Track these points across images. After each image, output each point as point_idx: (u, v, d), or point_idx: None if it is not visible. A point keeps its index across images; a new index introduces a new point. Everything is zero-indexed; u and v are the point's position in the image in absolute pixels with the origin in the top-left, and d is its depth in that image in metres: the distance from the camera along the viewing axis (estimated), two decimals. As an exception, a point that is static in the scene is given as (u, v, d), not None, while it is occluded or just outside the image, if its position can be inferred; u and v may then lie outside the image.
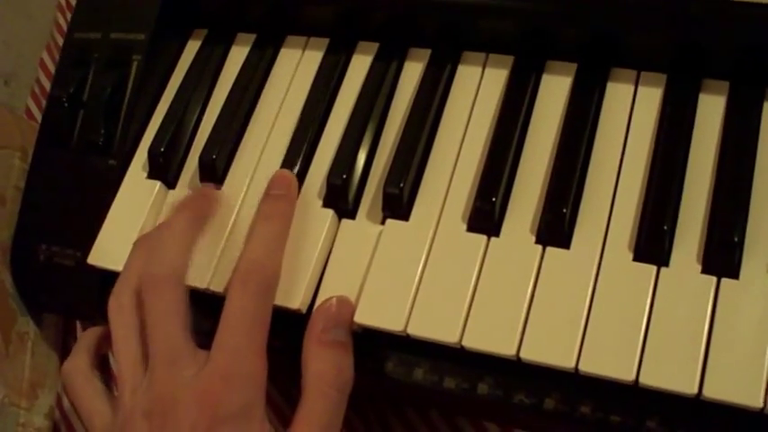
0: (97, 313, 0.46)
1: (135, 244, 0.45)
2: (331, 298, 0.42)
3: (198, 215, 0.43)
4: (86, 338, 0.47)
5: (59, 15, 0.67)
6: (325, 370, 0.40)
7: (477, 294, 0.40)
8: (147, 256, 0.42)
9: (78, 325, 0.58)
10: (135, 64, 0.50)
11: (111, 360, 0.53)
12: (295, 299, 0.42)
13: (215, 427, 0.37)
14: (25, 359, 0.57)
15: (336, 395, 0.40)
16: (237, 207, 0.46)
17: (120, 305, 0.42)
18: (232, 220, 0.46)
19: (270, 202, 0.44)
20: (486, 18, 0.46)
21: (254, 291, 0.40)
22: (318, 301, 0.42)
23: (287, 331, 0.43)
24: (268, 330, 0.40)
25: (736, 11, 0.41)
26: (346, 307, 0.42)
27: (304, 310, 0.43)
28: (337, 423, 0.40)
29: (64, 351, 0.58)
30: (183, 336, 0.40)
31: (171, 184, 0.49)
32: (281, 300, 0.42)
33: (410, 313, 0.41)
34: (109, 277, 0.46)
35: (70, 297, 0.50)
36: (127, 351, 0.41)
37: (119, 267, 0.45)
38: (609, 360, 0.37)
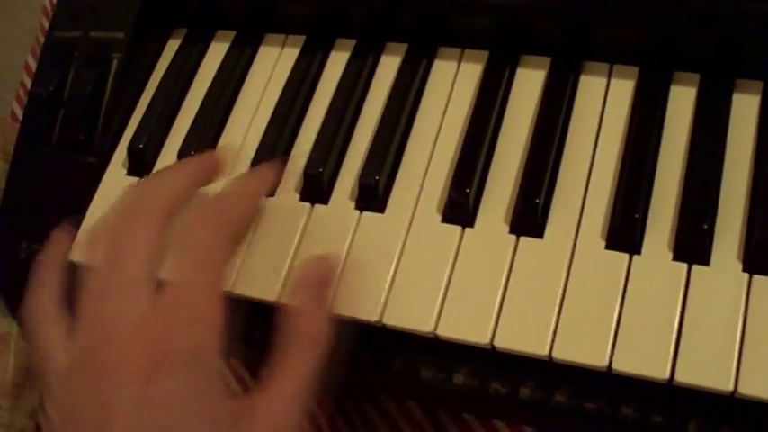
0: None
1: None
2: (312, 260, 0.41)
3: (198, 170, 0.40)
4: (48, 271, 0.41)
5: (44, 19, 0.68)
6: (315, 321, 0.38)
7: (451, 284, 0.40)
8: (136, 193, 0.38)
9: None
10: (115, 62, 0.51)
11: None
12: (272, 291, 0.42)
13: (156, 377, 0.32)
14: (8, 360, 0.57)
15: (322, 351, 0.37)
16: None
17: (94, 237, 0.37)
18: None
19: (257, 169, 0.45)
20: (462, 13, 0.46)
21: (213, 226, 0.37)
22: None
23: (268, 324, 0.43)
24: (224, 275, 0.37)
25: (707, 3, 0.42)
26: (332, 270, 0.41)
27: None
28: (315, 384, 0.37)
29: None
30: (145, 269, 0.35)
31: (150, 180, 0.49)
32: (258, 292, 0.43)
33: (385, 304, 0.41)
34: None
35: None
36: (91, 286, 0.36)
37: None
38: (582, 347, 0.38)
